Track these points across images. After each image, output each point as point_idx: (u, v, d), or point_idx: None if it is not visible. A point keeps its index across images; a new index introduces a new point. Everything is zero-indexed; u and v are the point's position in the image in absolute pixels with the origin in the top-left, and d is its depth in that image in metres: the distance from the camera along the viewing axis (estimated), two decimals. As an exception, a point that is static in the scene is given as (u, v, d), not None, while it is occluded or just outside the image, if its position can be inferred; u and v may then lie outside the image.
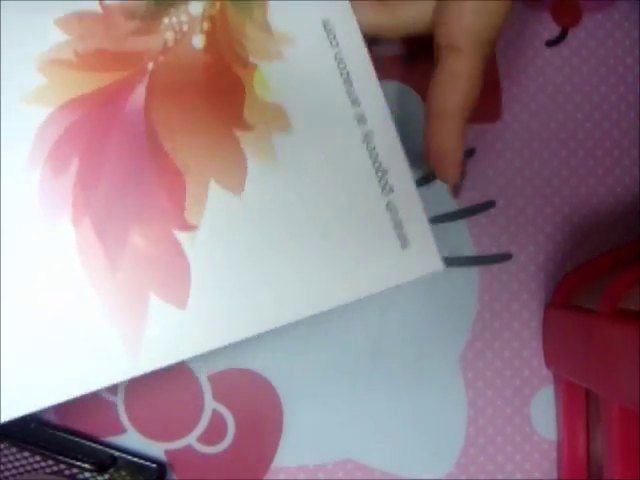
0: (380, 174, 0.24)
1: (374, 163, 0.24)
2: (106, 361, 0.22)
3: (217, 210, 0.23)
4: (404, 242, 0.24)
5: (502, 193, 0.35)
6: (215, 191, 0.23)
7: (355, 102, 0.24)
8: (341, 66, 0.24)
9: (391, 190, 0.24)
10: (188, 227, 0.23)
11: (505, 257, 0.35)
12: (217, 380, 0.34)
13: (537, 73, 0.36)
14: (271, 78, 0.23)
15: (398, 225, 0.24)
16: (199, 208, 0.23)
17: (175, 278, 0.22)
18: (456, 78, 0.26)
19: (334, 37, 0.24)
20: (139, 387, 0.33)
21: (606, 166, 0.36)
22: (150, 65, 0.23)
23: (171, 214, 0.23)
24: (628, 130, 0.36)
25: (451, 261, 0.35)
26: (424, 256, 0.24)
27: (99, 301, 0.22)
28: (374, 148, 0.24)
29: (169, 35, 0.23)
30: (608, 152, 0.36)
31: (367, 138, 0.24)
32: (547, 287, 0.35)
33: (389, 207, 0.24)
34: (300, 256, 0.23)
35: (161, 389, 0.33)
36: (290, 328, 0.34)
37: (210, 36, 0.23)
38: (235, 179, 0.23)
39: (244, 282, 0.23)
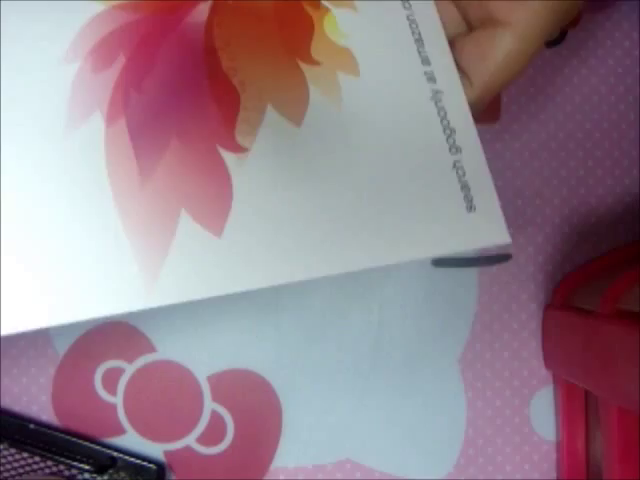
0: (448, 132, 0.23)
1: (442, 121, 0.23)
2: (118, 286, 0.19)
3: (271, 137, 0.21)
4: (470, 205, 0.23)
5: (502, 194, 0.35)
6: (272, 117, 0.21)
7: (425, 61, 0.24)
8: (413, 26, 0.24)
9: (459, 150, 0.23)
10: (237, 148, 0.21)
11: (505, 258, 0.35)
12: (216, 381, 0.34)
13: (536, 74, 0.36)
14: (343, 24, 0.23)
15: (465, 186, 0.23)
16: (251, 130, 0.21)
17: (214, 198, 0.20)
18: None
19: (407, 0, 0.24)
20: (139, 388, 0.33)
21: (605, 167, 0.36)
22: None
23: (220, 130, 0.21)
24: (627, 131, 0.36)
25: (451, 262, 0.35)
26: (490, 224, 0.23)
27: (121, 214, 0.19)
28: (443, 107, 0.23)
29: None
30: (607, 153, 0.36)
31: (436, 97, 0.23)
32: (546, 288, 0.35)
33: (456, 167, 0.23)
34: (356, 204, 0.21)
35: (161, 390, 0.33)
36: (290, 329, 0.34)
37: None
38: (295, 109, 0.22)
39: (292, 220, 0.21)
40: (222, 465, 0.33)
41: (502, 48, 0.24)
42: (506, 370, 0.35)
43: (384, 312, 0.34)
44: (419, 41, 0.24)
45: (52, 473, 0.32)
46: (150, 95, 0.21)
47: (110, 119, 0.20)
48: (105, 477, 0.32)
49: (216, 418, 0.34)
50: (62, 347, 0.33)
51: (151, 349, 0.33)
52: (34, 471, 0.32)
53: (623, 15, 0.37)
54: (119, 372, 0.33)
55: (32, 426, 0.32)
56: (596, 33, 0.36)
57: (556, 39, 0.36)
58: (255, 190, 0.21)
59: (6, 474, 0.32)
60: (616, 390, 0.27)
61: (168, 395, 0.34)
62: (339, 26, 0.23)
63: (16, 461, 0.32)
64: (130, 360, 0.33)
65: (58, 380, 0.33)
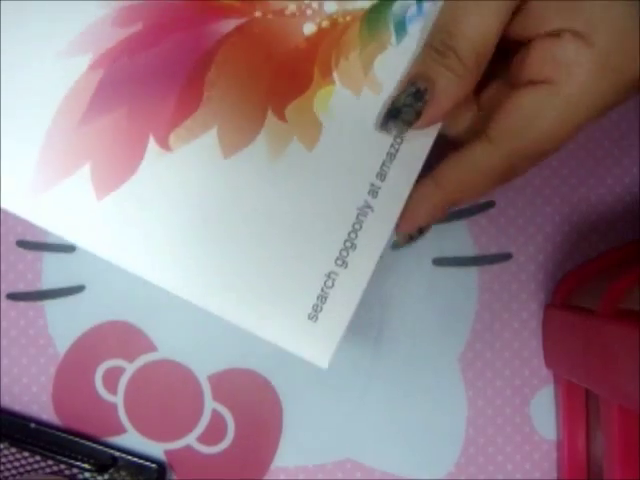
0: (349, 245, 0.23)
1: (350, 233, 0.23)
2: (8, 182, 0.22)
3: (197, 153, 0.23)
4: (314, 315, 0.23)
5: (502, 193, 0.35)
6: (209, 138, 0.23)
7: (381, 176, 0.23)
8: (397, 141, 0.24)
9: (344, 265, 0.23)
10: (165, 144, 0.22)
11: (505, 257, 0.35)
12: (217, 380, 0.34)
13: (537, 73, 0.36)
14: (335, 101, 0.23)
15: (323, 297, 0.23)
16: (187, 139, 0.23)
17: (118, 167, 0.22)
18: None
19: None
20: (139, 387, 0.33)
21: (606, 166, 0.36)
22: (258, 14, 0.23)
23: (162, 122, 0.22)
24: (628, 130, 0.36)
25: (451, 261, 0.35)
26: (318, 343, 0.23)
27: (45, 139, 0.22)
28: (361, 223, 0.23)
29: (291, 6, 0.23)
30: (608, 152, 0.36)
31: (363, 210, 0.23)
32: (547, 287, 0.35)
33: (330, 277, 0.23)
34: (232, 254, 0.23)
35: (161, 389, 0.34)
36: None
37: (321, 33, 0.24)
38: (233, 143, 0.23)
39: (170, 226, 0.22)
40: (223, 464, 0.33)
41: (549, 112, 0.21)
42: (507, 369, 0.35)
43: (384, 311, 0.34)
44: (391, 156, 0.24)
45: (53, 472, 0.32)
46: (136, 66, 0.23)
47: (93, 65, 0.22)
48: (106, 476, 0.32)
49: (217, 417, 0.34)
50: (63, 346, 0.34)
51: (152, 348, 0.34)
52: (35, 470, 0.32)
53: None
54: (120, 371, 0.33)
55: (33, 425, 0.32)
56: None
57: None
58: (155, 183, 0.22)
59: (7, 473, 0.32)
60: (617, 389, 0.27)
61: (169, 394, 0.34)
62: (330, 102, 0.23)
63: (17, 460, 0.32)
64: (131, 359, 0.33)
65: (59, 379, 0.33)
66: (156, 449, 0.33)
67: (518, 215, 0.35)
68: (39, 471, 0.32)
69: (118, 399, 0.33)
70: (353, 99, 0.23)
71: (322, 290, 0.23)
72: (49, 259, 0.34)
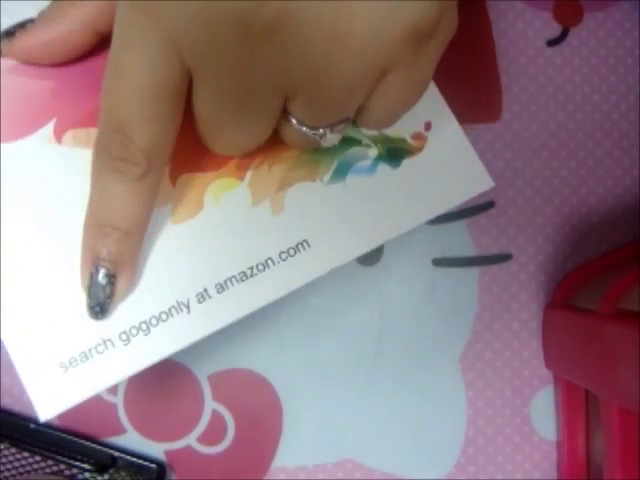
0: (144, 326, 0.22)
1: (151, 319, 0.22)
2: None
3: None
4: (66, 367, 0.21)
5: (502, 193, 0.35)
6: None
7: (219, 288, 0.22)
8: (249, 272, 0.22)
9: (127, 342, 0.21)
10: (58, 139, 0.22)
11: (505, 257, 0.35)
12: (217, 380, 0.34)
13: (538, 73, 0.36)
14: (229, 198, 0.22)
15: (86, 357, 0.21)
16: None
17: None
18: None
19: None
20: (139, 388, 0.33)
21: (606, 167, 0.36)
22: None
23: (60, 114, 0.22)
24: (628, 131, 0.36)
25: (451, 261, 0.35)
26: (51, 394, 0.21)
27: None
28: (172, 316, 0.22)
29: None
30: (608, 153, 0.36)
31: (181, 306, 0.22)
32: (547, 287, 0.35)
33: (106, 343, 0.21)
34: None
35: (161, 390, 0.34)
36: (291, 328, 0.34)
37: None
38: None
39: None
40: (223, 465, 0.33)
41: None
42: (507, 370, 0.35)
43: (385, 312, 0.34)
44: (242, 275, 0.22)
45: (53, 473, 0.32)
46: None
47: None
48: (106, 477, 0.32)
49: (217, 418, 0.34)
50: (63, 347, 0.33)
51: (151, 349, 0.34)
52: (35, 471, 0.32)
53: (624, 14, 0.37)
54: (120, 372, 0.33)
55: (33, 426, 0.32)
56: (597, 32, 0.36)
57: (558, 38, 0.36)
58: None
59: (7, 474, 0.32)
60: (617, 389, 0.27)
61: (169, 395, 0.34)
62: (224, 195, 0.22)
63: (17, 461, 0.32)
64: (130, 360, 0.33)
65: (59, 380, 0.33)
66: (156, 449, 0.33)
67: (518, 215, 0.35)
68: (39, 471, 0.32)
69: (118, 399, 0.33)
70: (247, 205, 0.22)
71: (89, 350, 0.21)
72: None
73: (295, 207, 0.23)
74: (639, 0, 0.37)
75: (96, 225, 0.20)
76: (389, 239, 0.23)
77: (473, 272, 0.35)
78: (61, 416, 0.33)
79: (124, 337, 0.21)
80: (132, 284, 0.21)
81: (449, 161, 0.24)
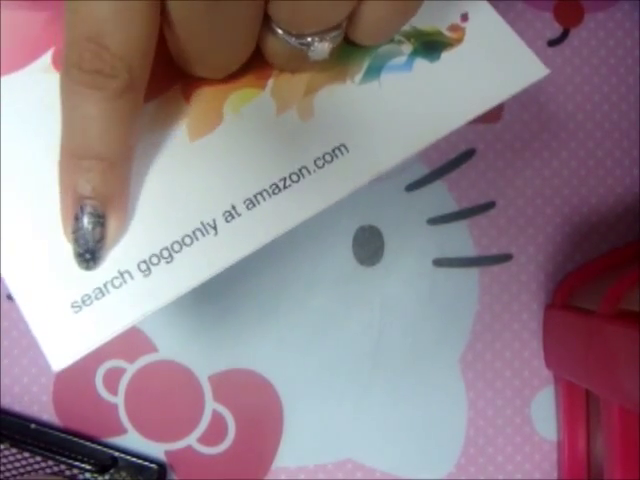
0: (165, 253, 0.19)
1: (184, 237, 0.19)
2: None
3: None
4: (78, 306, 0.18)
5: (502, 194, 0.35)
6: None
7: (251, 203, 0.20)
8: (285, 182, 0.21)
9: (148, 272, 0.19)
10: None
11: (505, 258, 0.35)
12: (217, 381, 0.34)
13: (538, 73, 0.36)
14: (250, 109, 0.20)
15: (101, 292, 0.19)
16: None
17: None
18: None
19: None
20: (140, 388, 0.33)
21: (606, 167, 0.36)
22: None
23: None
24: (629, 131, 0.36)
25: (451, 262, 0.35)
26: (64, 341, 0.18)
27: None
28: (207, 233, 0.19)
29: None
30: (609, 153, 0.36)
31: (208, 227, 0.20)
32: (547, 288, 0.35)
33: (124, 275, 0.19)
34: None
35: (161, 390, 0.34)
36: (291, 328, 0.34)
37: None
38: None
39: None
40: (223, 465, 0.33)
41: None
42: (507, 370, 0.35)
43: (385, 312, 0.34)
44: (274, 188, 0.20)
45: (53, 473, 0.32)
46: None
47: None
48: (106, 477, 0.32)
49: (217, 418, 0.34)
50: (63, 347, 0.33)
51: (152, 349, 0.34)
52: (35, 471, 0.32)
53: (625, 14, 0.37)
54: (120, 372, 0.33)
55: (33, 426, 0.32)
56: (598, 32, 0.36)
57: (558, 38, 0.36)
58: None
59: (7, 474, 0.32)
60: (617, 390, 0.27)
61: (169, 395, 0.34)
62: (244, 106, 0.20)
63: (17, 461, 0.32)
64: (131, 360, 0.33)
65: (59, 380, 0.33)
66: (157, 449, 0.33)
67: (518, 216, 0.35)
68: (39, 471, 0.32)
69: (119, 400, 0.33)
70: (272, 114, 0.20)
71: (104, 285, 0.18)
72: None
73: (326, 111, 0.20)
74: (639, 0, 0.37)
75: (74, 158, 0.17)
76: (438, 138, 0.20)
77: (473, 272, 0.35)
78: (61, 416, 0.33)
79: (144, 267, 0.19)
80: (125, 223, 0.19)
81: (494, 51, 0.21)
